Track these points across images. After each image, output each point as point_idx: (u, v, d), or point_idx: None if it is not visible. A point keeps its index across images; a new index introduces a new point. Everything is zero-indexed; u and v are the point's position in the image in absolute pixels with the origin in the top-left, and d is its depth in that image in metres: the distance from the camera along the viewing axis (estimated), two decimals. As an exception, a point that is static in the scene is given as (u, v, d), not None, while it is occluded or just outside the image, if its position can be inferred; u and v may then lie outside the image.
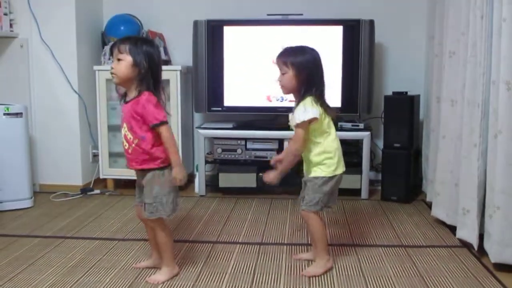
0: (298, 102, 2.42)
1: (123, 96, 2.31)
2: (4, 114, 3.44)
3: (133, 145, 2.24)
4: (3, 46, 3.87)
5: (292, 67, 2.38)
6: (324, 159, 2.45)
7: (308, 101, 2.37)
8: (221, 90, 3.91)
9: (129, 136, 2.25)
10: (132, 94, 2.25)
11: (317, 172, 2.45)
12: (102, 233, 3.06)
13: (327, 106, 2.43)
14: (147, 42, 2.28)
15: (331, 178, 2.44)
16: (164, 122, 2.21)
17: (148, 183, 2.28)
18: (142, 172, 2.30)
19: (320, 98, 2.40)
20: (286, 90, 2.45)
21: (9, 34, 3.82)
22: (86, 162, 4.08)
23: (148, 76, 2.21)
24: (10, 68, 3.89)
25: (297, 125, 2.38)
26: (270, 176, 2.46)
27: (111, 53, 2.28)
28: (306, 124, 2.38)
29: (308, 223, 2.52)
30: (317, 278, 2.40)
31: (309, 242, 2.86)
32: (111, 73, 2.23)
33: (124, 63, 2.19)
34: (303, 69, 2.38)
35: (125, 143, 2.28)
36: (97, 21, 4.24)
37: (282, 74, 2.41)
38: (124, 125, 2.26)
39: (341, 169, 2.49)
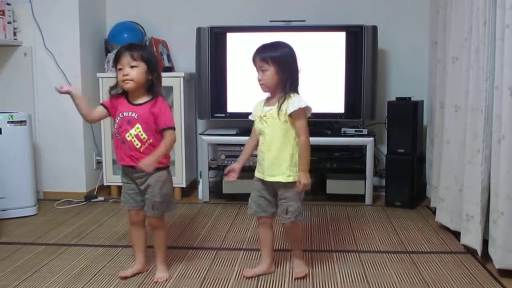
0: (282, 98, 2.35)
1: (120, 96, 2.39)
2: (8, 122, 3.45)
3: (147, 144, 2.34)
4: (7, 54, 3.89)
5: (273, 63, 2.34)
6: (296, 162, 2.39)
7: (300, 95, 2.37)
8: (224, 96, 3.91)
9: (143, 136, 2.34)
10: (142, 98, 2.36)
11: (292, 176, 2.37)
12: (106, 240, 3.06)
13: None
14: (150, 49, 2.39)
15: None
16: (173, 128, 2.38)
17: (158, 182, 2.38)
18: (148, 172, 2.35)
19: None
20: (268, 88, 2.39)
21: (13, 43, 3.84)
22: (90, 169, 4.09)
23: (159, 81, 2.39)
24: (14, 76, 3.90)
25: (298, 115, 2.32)
26: (305, 183, 2.35)
27: (117, 61, 2.33)
28: (305, 113, 2.35)
29: (295, 233, 2.54)
30: (321, 284, 2.40)
31: (312, 248, 2.86)
32: (124, 80, 2.30)
33: (139, 69, 2.31)
34: (284, 64, 2.35)
35: (136, 142, 2.33)
36: (100, 28, 4.26)
37: (263, 71, 2.36)
38: (137, 126, 2.33)
39: None
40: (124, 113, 2.36)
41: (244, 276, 2.49)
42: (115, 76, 2.39)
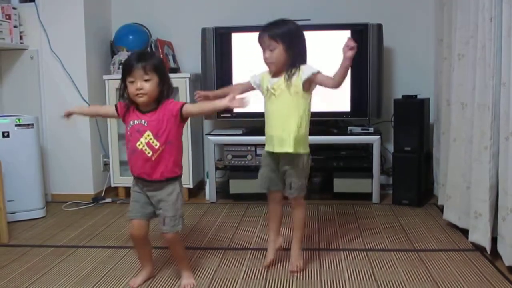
0: (290, 69, 2.36)
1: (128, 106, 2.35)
2: (16, 125, 3.47)
3: (159, 151, 2.27)
4: (14, 58, 3.91)
5: (281, 40, 2.33)
6: (306, 133, 2.42)
7: (308, 64, 2.37)
8: (230, 97, 3.91)
9: (155, 143, 2.26)
10: (151, 106, 2.30)
11: (301, 148, 2.40)
12: (114, 241, 3.07)
13: None
14: (159, 57, 2.41)
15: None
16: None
17: (171, 196, 2.32)
18: (160, 184, 2.31)
19: None
20: (276, 67, 2.39)
21: (19, 46, 3.86)
22: (97, 171, 4.11)
23: (169, 92, 2.34)
24: (20, 80, 3.93)
25: (314, 77, 2.35)
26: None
27: (129, 73, 2.26)
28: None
29: (300, 210, 2.54)
30: (329, 283, 2.39)
31: (320, 247, 2.86)
32: (138, 94, 2.25)
33: (152, 82, 2.25)
34: (292, 41, 2.34)
35: (148, 151, 2.27)
36: (106, 31, 4.28)
37: (271, 50, 2.36)
38: (147, 133, 2.27)
39: None
40: (135, 121, 2.30)
41: (264, 266, 2.56)
42: (122, 83, 2.32)
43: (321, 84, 2.39)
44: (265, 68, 2.47)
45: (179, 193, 2.34)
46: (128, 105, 2.33)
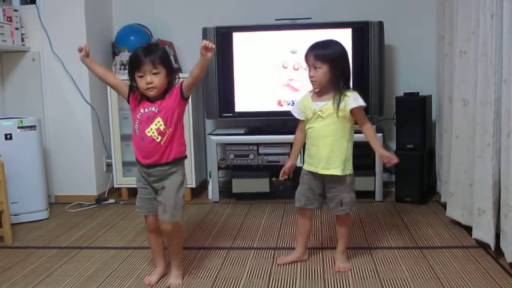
0: (338, 95, 2.43)
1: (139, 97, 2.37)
2: (18, 127, 3.48)
3: (167, 134, 2.32)
4: (16, 60, 3.92)
5: (326, 61, 2.40)
6: (351, 155, 2.50)
7: (354, 92, 2.46)
8: (231, 96, 3.92)
9: (163, 127, 2.31)
10: (159, 95, 2.34)
11: (348, 169, 2.48)
12: (118, 242, 3.07)
13: None
14: (163, 48, 2.42)
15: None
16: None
17: (174, 185, 2.36)
18: (166, 171, 2.35)
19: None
20: (319, 86, 2.46)
21: (21, 48, 3.87)
22: (100, 172, 4.11)
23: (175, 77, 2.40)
24: (22, 82, 3.93)
25: (359, 110, 2.44)
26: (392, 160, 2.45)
27: (137, 68, 2.27)
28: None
29: (345, 225, 2.59)
30: (332, 281, 2.40)
31: (323, 245, 2.86)
32: (148, 88, 2.28)
33: (161, 75, 2.30)
34: (336, 63, 2.41)
35: (156, 136, 2.31)
36: (107, 32, 4.28)
37: (315, 69, 2.42)
38: (158, 119, 2.31)
39: None
40: (146, 109, 2.33)
41: (277, 264, 2.57)
42: (130, 79, 2.35)
43: (357, 117, 2.49)
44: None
45: (182, 183, 2.39)
46: (140, 98, 2.36)
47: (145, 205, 2.43)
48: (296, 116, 2.59)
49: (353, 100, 2.43)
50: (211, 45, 2.26)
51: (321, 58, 2.40)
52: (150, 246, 2.54)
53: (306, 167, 2.56)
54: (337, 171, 2.46)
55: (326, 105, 2.44)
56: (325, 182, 2.52)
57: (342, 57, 2.46)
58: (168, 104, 2.33)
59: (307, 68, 2.48)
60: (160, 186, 2.38)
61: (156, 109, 2.32)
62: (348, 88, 2.49)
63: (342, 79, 2.45)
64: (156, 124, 2.32)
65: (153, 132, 2.32)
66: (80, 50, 2.43)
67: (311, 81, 2.47)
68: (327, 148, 2.46)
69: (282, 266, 2.60)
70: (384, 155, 2.48)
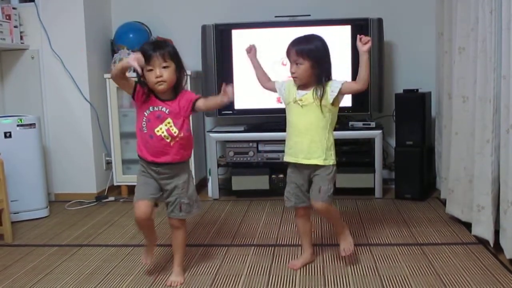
0: (318, 88, 2.41)
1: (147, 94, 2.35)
2: (18, 125, 3.48)
3: (177, 138, 2.33)
4: (15, 58, 3.92)
5: (308, 57, 2.38)
6: (332, 144, 2.47)
7: (332, 81, 2.43)
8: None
9: (174, 130, 2.33)
10: (170, 95, 2.35)
11: (329, 159, 2.44)
12: (118, 239, 3.08)
13: None
14: (170, 44, 2.44)
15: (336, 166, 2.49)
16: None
17: (185, 183, 2.40)
18: (175, 170, 2.37)
19: None
20: (301, 81, 2.43)
21: (20, 46, 3.87)
22: (100, 170, 4.12)
23: (184, 78, 2.41)
24: (22, 80, 3.93)
25: (343, 89, 2.41)
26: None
27: (147, 62, 2.24)
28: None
29: (329, 214, 2.55)
30: (332, 278, 2.40)
31: (322, 242, 2.86)
32: (158, 82, 2.27)
33: (171, 69, 2.30)
34: (318, 58, 2.39)
35: (167, 137, 2.32)
36: (106, 29, 4.28)
37: (297, 64, 2.40)
38: (168, 120, 2.32)
39: None
40: (155, 107, 2.32)
41: (292, 269, 2.53)
42: (137, 74, 2.30)
43: (350, 92, 2.48)
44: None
45: (191, 180, 2.45)
46: (148, 93, 2.34)
47: (143, 192, 2.37)
48: (277, 91, 2.57)
49: (333, 88, 2.40)
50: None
51: (302, 54, 2.38)
52: (144, 235, 2.58)
53: (287, 158, 2.52)
54: (318, 161, 2.42)
55: (306, 95, 2.42)
56: (310, 174, 2.48)
57: (324, 52, 2.43)
58: (179, 106, 2.34)
59: (288, 64, 2.45)
60: (171, 186, 2.38)
61: (167, 110, 2.32)
62: (329, 79, 2.44)
63: (324, 74, 2.42)
64: (166, 125, 2.32)
65: (163, 132, 2.32)
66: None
67: (293, 77, 2.44)
68: (307, 139, 2.43)
69: (281, 262, 2.61)
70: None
